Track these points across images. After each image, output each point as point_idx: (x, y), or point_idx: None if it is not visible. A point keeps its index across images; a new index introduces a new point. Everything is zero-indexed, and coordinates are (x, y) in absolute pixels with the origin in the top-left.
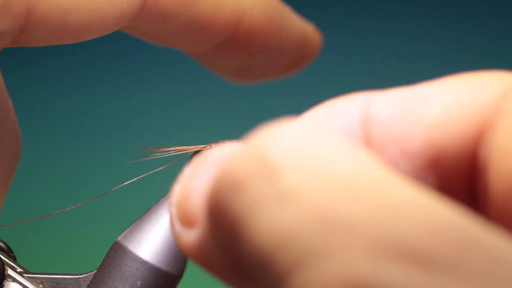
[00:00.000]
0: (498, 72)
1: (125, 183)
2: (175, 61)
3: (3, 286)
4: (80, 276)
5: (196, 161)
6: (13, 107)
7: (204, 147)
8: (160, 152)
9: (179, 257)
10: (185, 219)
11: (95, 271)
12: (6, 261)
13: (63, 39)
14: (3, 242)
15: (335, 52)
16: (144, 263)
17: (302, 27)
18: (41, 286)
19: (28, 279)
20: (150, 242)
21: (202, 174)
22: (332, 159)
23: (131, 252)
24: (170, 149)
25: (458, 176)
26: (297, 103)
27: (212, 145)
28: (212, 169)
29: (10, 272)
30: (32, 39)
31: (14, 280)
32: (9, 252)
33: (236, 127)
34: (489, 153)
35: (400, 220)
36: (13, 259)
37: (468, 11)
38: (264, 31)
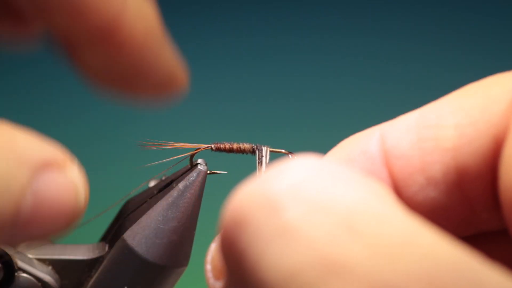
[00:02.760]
0: (502, 79)
1: (133, 190)
2: None
3: (15, 278)
4: (87, 258)
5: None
6: None
7: (205, 147)
8: (159, 145)
9: (184, 255)
10: (215, 272)
11: (101, 255)
12: (14, 250)
13: None
14: None
15: (335, 52)
16: (149, 264)
17: (175, 64)
18: (50, 267)
19: (38, 263)
20: (156, 244)
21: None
22: (333, 194)
23: (137, 253)
24: (170, 145)
25: (484, 191)
26: (297, 103)
27: (213, 145)
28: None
29: (20, 263)
30: None
31: (25, 271)
32: None
33: (236, 127)
34: (500, 165)
35: (398, 262)
36: None
37: (468, 11)
38: (139, 43)
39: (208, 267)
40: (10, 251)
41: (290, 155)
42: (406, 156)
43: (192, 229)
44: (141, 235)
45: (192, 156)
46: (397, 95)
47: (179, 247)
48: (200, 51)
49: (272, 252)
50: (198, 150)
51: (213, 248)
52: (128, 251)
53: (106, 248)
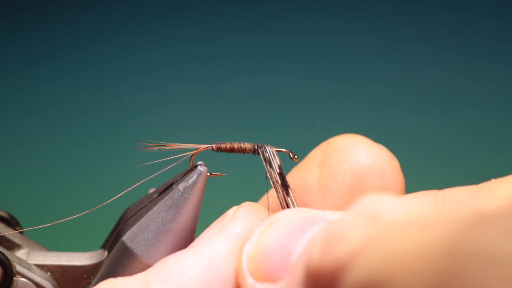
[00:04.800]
0: None
1: (131, 188)
2: (175, 61)
3: (13, 282)
4: (85, 264)
5: (267, 221)
6: None
7: (205, 147)
8: (159, 146)
9: None
10: (260, 274)
11: (100, 260)
12: (13, 255)
13: None
14: (8, 213)
15: (335, 53)
16: (148, 266)
17: None
18: (48, 273)
19: (36, 268)
20: (155, 246)
21: (280, 235)
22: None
23: (136, 254)
24: (170, 145)
25: None
26: (296, 102)
27: (213, 145)
28: (301, 233)
29: (19, 268)
30: None
31: (23, 276)
32: (15, 225)
33: (236, 128)
34: None
35: None
36: (20, 233)
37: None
38: None
39: (244, 266)
40: (9, 256)
41: (291, 154)
42: None
43: (192, 231)
44: (140, 237)
45: (192, 156)
46: (397, 96)
47: (179, 249)
48: (200, 51)
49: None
50: (199, 151)
51: (250, 248)
52: (127, 253)
53: (105, 254)
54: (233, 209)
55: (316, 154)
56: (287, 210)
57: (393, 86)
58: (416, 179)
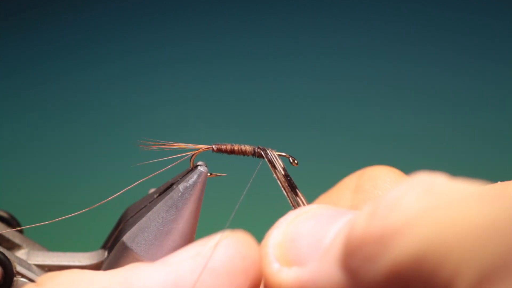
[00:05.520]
0: None
1: (130, 186)
2: (176, 61)
3: (13, 282)
4: (85, 265)
5: (293, 213)
6: None
7: (206, 148)
8: (160, 144)
9: None
10: (287, 259)
11: (101, 260)
12: (13, 255)
13: None
14: (8, 214)
15: (336, 53)
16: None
17: None
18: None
19: (36, 268)
20: (156, 246)
21: (311, 223)
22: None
23: (136, 255)
24: (171, 145)
25: None
26: (296, 102)
27: (214, 146)
28: (336, 221)
29: (19, 268)
30: None
31: (24, 276)
32: (15, 226)
33: (236, 128)
34: None
35: None
36: (19, 232)
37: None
38: None
39: (271, 250)
40: (10, 256)
41: (290, 159)
42: None
43: (192, 231)
44: (140, 237)
45: (193, 157)
46: (396, 96)
47: (179, 249)
48: (200, 51)
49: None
50: (199, 151)
51: (277, 234)
52: (128, 253)
53: (106, 254)
54: (217, 237)
55: (350, 180)
56: (314, 205)
57: (394, 86)
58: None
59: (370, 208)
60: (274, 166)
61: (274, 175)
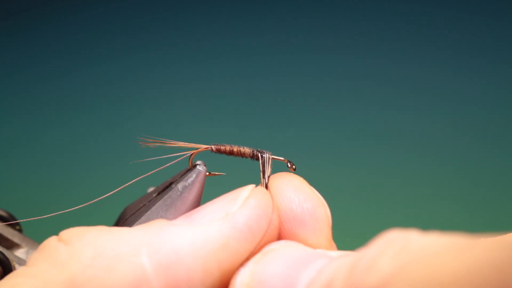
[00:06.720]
0: None
1: (128, 183)
2: (176, 61)
3: None
4: None
5: (263, 250)
6: None
7: (205, 147)
8: (159, 142)
9: None
10: None
11: None
12: (12, 254)
13: None
14: (8, 213)
15: (336, 53)
16: None
17: None
18: None
19: None
20: None
21: (280, 265)
22: None
23: None
24: (169, 143)
25: None
26: (296, 102)
27: (213, 146)
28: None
29: (18, 267)
30: None
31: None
32: (14, 225)
33: (236, 128)
34: None
35: None
36: (19, 231)
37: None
38: None
39: None
40: (9, 255)
41: (289, 164)
42: None
43: None
44: None
45: (192, 156)
46: (396, 97)
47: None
48: (201, 51)
49: None
50: (198, 151)
51: (244, 275)
52: None
53: None
54: (247, 190)
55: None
56: (282, 242)
57: (393, 86)
58: (416, 179)
59: (346, 266)
60: (262, 172)
61: (261, 179)
